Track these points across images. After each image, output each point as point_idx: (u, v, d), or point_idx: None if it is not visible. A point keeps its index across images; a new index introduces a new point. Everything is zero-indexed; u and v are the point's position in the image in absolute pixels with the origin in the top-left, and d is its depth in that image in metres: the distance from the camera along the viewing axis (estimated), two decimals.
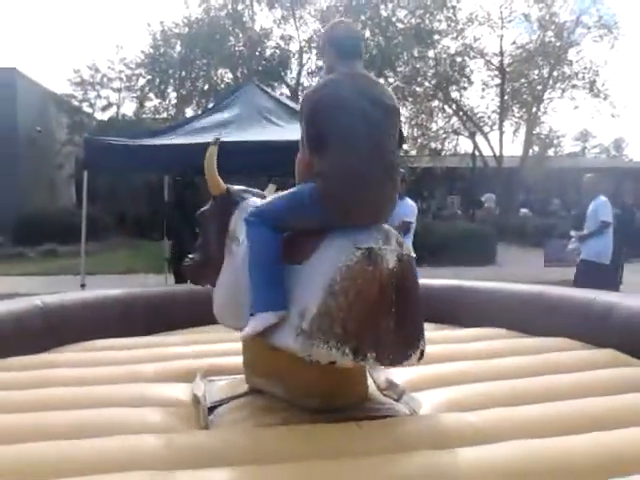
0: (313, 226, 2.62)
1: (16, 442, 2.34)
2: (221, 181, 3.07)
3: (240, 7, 21.62)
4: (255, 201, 2.99)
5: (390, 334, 2.48)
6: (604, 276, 6.54)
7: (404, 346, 2.55)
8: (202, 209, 3.21)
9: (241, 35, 21.74)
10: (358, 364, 2.48)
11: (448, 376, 3.25)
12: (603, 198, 6.92)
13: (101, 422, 2.59)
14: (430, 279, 4.52)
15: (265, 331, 2.56)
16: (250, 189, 3.17)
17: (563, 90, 23.43)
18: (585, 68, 22.68)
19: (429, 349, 3.75)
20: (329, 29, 2.87)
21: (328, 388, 2.71)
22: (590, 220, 6.80)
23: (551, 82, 23.22)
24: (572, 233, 7.19)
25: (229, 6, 21.56)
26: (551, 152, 27.03)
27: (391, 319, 2.48)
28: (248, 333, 2.59)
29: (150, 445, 2.34)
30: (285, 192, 2.73)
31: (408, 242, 6.67)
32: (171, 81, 21.72)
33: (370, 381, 3.03)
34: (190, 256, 3.24)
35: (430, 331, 4.41)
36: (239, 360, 3.07)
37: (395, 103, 2.77)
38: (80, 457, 2.25)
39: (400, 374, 3.19)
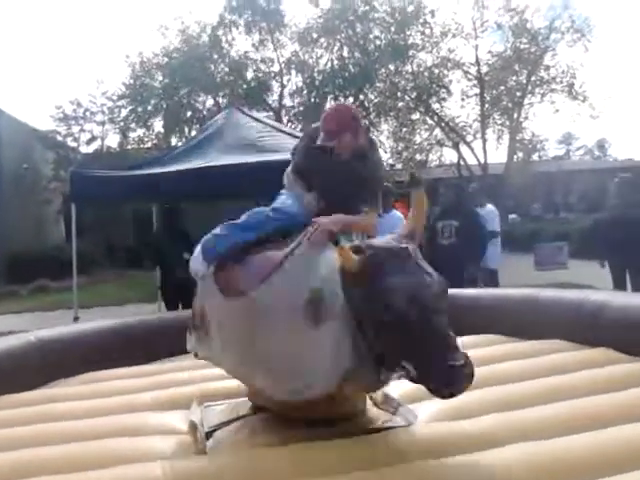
0: None
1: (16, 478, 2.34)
2: None
3: (219, 32, 21.77)
4: None
5: None
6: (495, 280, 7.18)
7: None
8: None
9: (220, 61, 21.88)
10: None
11: None
12: (490, 206, 7.35)
13: (100, 454, 2.58)
14: None
15: None
16: None
17: (542, 95, 23.66)
18: (562, 72, 22.93)
19: None
20: None
21: None
22: None
23: (530, 87, 23.43)
24: None
25: (207, 31, 21.71)
26: (535, 157, 27.17)
27: None
28: None
29: (150, 473, 2.34)
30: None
31: None
32: (154, 111, 21.78)
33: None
34: None
35: None
36: (234, 383, 3.07)
37: None
38: None
39: (396, 387, 3.20)
